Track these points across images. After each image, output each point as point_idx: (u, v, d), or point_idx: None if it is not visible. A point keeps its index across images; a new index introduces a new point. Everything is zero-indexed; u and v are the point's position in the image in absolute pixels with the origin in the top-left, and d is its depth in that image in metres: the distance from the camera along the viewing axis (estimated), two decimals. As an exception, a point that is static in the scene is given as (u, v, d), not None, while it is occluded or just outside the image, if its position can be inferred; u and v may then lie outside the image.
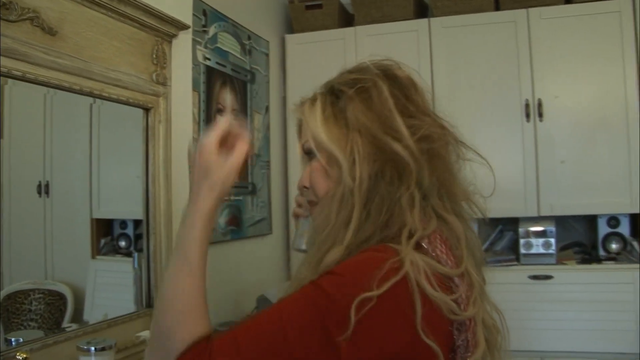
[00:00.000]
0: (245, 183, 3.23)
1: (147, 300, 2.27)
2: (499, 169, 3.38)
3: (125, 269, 2.49)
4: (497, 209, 3.18)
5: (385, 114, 0.95)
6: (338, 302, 0.79)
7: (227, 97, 3.06)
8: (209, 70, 2.88)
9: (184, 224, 0.94)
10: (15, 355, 1.59)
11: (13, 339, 1.80)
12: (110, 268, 2.46)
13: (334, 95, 1.00)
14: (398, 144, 0.93)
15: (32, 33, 1.68)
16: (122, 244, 2.48)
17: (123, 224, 2.49)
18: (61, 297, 2.22)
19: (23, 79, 1.68)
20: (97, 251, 2.44)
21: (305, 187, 1.03)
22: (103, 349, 1.76)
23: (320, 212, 0.96)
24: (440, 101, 3.37)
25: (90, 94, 1.91)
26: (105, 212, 2.46)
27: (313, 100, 1.02)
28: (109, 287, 2.37)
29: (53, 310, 2.12)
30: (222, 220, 2.97)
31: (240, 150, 0.95)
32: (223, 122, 0.96)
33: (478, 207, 1.06)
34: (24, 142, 2.21)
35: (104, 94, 1.96)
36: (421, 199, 0.93)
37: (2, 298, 1.99)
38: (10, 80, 1.85)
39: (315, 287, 0.83)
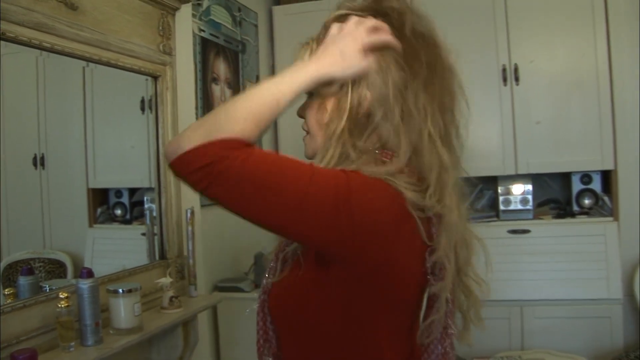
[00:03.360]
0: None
1: (160, 253, 2.44)
2: (479, 131, 3.57)
3: (122, 235, 2.62)
4: (477, 168, 3.43)
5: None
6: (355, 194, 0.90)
7: (221, 67, 3.20)
8: (204, 42, 3.02)
9: (297, 67, 0.98)
10: (58, 294, 1.76)
11: (46, 286, 1.95)
12: (107, 235, 2.57)
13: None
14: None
15: (57, 8, 1.83)
16: (118, 212, 2.59)
17: (118, 193, 2.60)
18: (61, 265, 2.33)
19: (52, 50, 1.83)
20: (94, 220, 2.55)
21: (301, 116, 1.11)
22: (130, 290, 1.93)
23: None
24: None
25: (107, 64, 2.06)
26: (100, 182, 2.56)
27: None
28: (107, 254, 2.47)
29: (53, 278, 2.20)
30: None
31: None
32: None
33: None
34: (18, 113, 2.29)
35: (119, 63, 2.11)
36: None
37: (3, 268, 2.11)
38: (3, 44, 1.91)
39: (345, 175, 0.92)
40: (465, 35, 3.45)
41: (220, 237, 3.00)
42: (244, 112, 0.92)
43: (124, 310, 1.92)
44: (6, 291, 1.85)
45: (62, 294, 1.76)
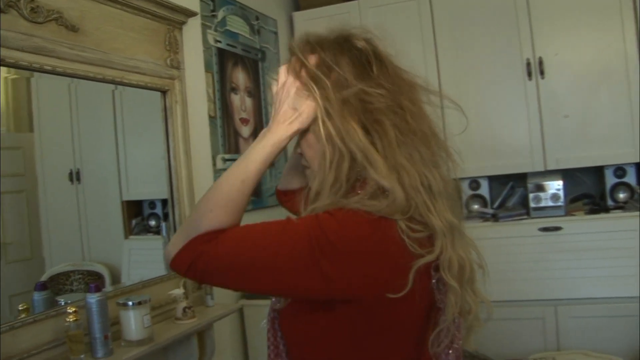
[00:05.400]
0: (263, 156, 3.39)
1: (176, 264, 2.44)
2: (505, 127, 3.51)
3: (157, 246, 2.67)
4: (505, 166, 3.36)
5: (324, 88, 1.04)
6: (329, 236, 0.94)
7: (240, 76, 3.23)
8: (221, 52, 3.05)
9: (258, 142, 1.06)
10: (67, 309, 1.81)
11: (62, 300, 2.01)
12: (142, 246, 2.65)
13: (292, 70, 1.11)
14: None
15: (57, 32, 1.89)
16: (152, 223, 2.66)
17: (152, 204, 2.67)
18: (99, 276, 2.40)
19: (53, 72, 1.89)
20: (129, 231, 2.63)
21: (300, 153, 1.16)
22: (139, 303, 1.96)
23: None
24: (444, 66, 3.50)
25: (112, 82, 2.12)
26: (134, 194, 2.64)
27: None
28: (143, 264, 2.54)
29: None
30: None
31: None
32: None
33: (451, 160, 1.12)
34: (53, 133, 2.39)
35: (125, 81, 2.17)
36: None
37: (46, 280, 2.19)
38: (36, 74, 2.02)
39: (316, 220, 0.96)
40: (487, 30, 3.41)
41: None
42: (211, 204, 1.01)
43: (134, 322, 1.97)
44: (20, 306, 1.91)
45: (70, 309, 1.80)
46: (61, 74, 1.91)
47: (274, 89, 1.10)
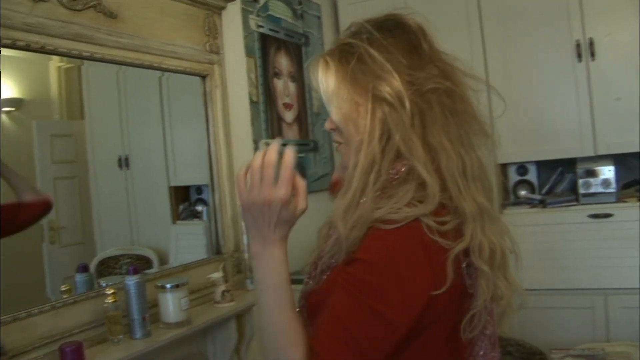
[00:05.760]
0: (307, 140, 3.41)
1: (216, 248, 2.51)
2: (553, 111, 3.39)
3: (202, 231, 2.71)
4: (554, 151, 3.26)
5: (379, 73, 1.02)
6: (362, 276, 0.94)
7: (283, 61, 3.23)
8: (263, 37, 3.05)
9: (264, 268, 0.99)
10: (105, 291, 1.86)
11: (103, 283, 2.07)
12: (189, 231, 2.70)
13: (339, 58, 1.08)
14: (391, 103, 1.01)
15: (96, 19, 1.92)
16: (199, 208, 2.70)
17: (199, 189, 2.71)
18: (147, 260, 2.47)
19: (92, 58, 1.93)
20: (177, 216, 2.68)
21: (331, 129, 1.14)
22: (177, 285, 1.99)
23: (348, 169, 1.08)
24: (492, 49, 3.40)
25: (150, 67, 2.15)
26: (181, 180, 2.70)
27: (325, 62, 1.09)
28: (189, 249, 2.59)
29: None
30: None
31: (300, 188, 0.99)
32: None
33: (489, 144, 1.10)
34: (103, 120, 2.45)
35: (163, 66, 2.20)
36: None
37: (96, 264, 2.27)
38: (86, 62, 2.08)
39: (350, 277, 0.96)
40: (535, 10, 3.30)
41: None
42: (277, 350, 0.97)
43: (171, 305, 2.00)
44: (63, 287, 1.97)
45: (108, 290, 1.85)
46: (100, 60, 1.94)
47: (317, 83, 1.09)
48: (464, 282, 0.99)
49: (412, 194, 0.98)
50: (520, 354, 2.72)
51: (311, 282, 1.09)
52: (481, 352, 1.04)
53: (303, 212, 0.99)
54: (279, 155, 0.96)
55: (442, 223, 0.95)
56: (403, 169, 1.01)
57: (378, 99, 1.01)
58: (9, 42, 1.69)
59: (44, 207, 1.97)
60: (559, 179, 3.56)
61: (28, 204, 1.89)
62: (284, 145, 0.99)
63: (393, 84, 1.00)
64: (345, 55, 1.06)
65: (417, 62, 1.04)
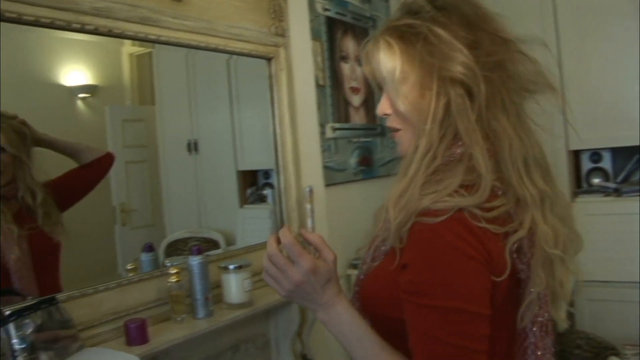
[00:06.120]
0: (374, 125, 3.36)
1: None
2: (629, 97, 3.20)
3: (268, 214, 2.72)
4: (630, 137, 3.08)
5: (447, 53, 0.97)
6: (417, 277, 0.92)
7: (350, 45, 3.19)
8: (329, 20, 3.02)
9: (339, 328, 0.99)
10: (169, 270, 1.90)
11: (168, 262, 2.11)
12: (256, 215, 2.72)
13: (402, 39, 1.02)
14: (461, 82, 0.96)
15: (161, 2, 1.95)
16: (266, 192, 2.71)
17: (266, 174, 2.72)
18: (215, 243, 2.52)
19: (158, 41, 1.97)
20: (244, 200, 2.70)
21: (385, 114, 1.08)
22: (240, 267, 2.01)
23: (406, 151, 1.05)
24: (565, 32, 3.24)
25: (215, 49, 2.16)
26: (248, 164, 2.72)
27: (387, 44, 1.04)
28: (256, 233, 2.60)
29: (207, 256, 2.36)
30: (354, 160, 3.14)
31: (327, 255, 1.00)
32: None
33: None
34: (172, 105, 2.50)
35: (228, 48, 2.21)
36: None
37: (166, 245, 2.33)
38: (156, 48, 2.12)
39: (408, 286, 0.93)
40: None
41: (352, 217, 3.01)
42: None
43: (234, 286, 2.02)
44: (129, 266, 2.02)
45: (172, 270, 1.88)
46: (165, 42, 1.97)
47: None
48: (515, 267, 0.95)
49: (460, 179, 0.94)
50: (590, 348, 2.61)
51: (364, 267, 1.08)
52: (532, 340, 0.99)
53: (335, 259, 1.00)
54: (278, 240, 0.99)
55: (489, 209, 0.92)
56: (458, 151, 0.97)
57: (447, 81, 0.97)
58: (78, 26, 1.73)
59: (107, 161, 2.02)
60: (635, 167, 3.38)
61: (91, 163, 1.95)
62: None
63: (464, 62, 0.96)
64: (409, 36, 1.01)
65: (478, 37, 0.98)
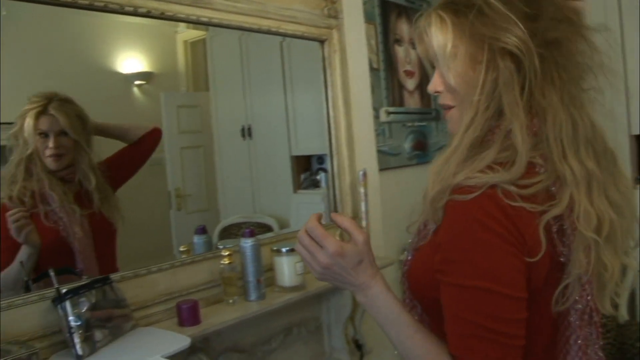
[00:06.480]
0: (429, 109, 3.30)
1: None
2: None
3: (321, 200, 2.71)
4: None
5: (500, 24, 0.93)
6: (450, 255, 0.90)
7: (404, 28, 3.13)
8: (383, 3, 2.97)
9: (377, 310, 0.98)
10: (221, 253, 1.91)
11: (220, 245, 2.12)
12: (310, 200, 2.71)
13: (455, 12, 0.99)
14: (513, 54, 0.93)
15: (208, -17, 1.92)
16: (319, 177, 2.70)
17: (320, 159, 2.71)
18: (268, 228, 2.53)
19: (209, 23, 1.96)
20: (298, 186, 2.70)
21: (437, 91, 1.05)
22: (292, 250, 1.99)
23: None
24: (628, 10, 3.08)
25: (267, 32, 2.14)
26: (302, 149, 2.72)
27: (439, 18, 1.01)
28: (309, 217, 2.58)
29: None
30: (408, 145, 3.09)
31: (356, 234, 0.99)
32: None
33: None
34: (226, 91, 2.51)
35: (280, 30, 2.19)
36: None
37: (220, 230, 2.35)
38: (210, 34, 2.12)
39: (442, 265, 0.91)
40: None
41: (405, 201, 2.96)
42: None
43: (286, 269, 2.01)
44: (181, 248, 2.04)
45: (224, 252, 1.88)
46: (217, 25, 1.96)
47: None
48: (556, 249, 0.90)
49: (495, 154, 0.91)
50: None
51: (411, 247, 1.06)
52: (573, 328, 0.95)
53: (366, 240, 0.98)
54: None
55: (525, 186, 0.88)
56: (500, 126, 0.94)
57: (497, 53, 0.93)
58: (131, 9, 1.74)
59: (155, 136, 2.03)
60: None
61: (139, 140, 1.97)
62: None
63: (518, 35, 0.91)
64: (462, 8, 0.97)
65: (540, 10, 0.94)
